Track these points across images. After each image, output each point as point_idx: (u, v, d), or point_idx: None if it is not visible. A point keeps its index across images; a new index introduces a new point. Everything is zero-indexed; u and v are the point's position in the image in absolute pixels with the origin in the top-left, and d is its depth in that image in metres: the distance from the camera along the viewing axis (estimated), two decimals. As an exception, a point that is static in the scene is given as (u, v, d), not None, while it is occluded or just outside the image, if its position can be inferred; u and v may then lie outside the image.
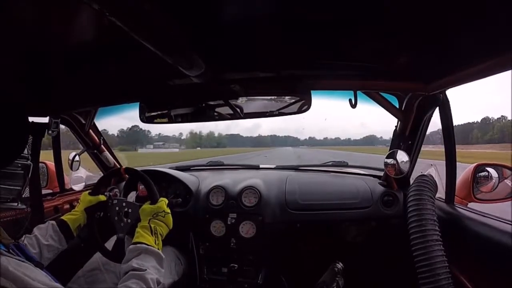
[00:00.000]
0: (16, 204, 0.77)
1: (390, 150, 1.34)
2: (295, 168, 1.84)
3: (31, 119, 1.20)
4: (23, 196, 0.80)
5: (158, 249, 0.91)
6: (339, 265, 1.32)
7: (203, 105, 1.11)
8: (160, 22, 0.61)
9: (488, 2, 0.59)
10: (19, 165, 0.77)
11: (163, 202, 1.04)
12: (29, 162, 0.79)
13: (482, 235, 0.97)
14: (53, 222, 1.03)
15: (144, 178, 1.14)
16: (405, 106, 1.23)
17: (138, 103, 1.17)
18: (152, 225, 0.96)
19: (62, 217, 1.06)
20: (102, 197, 1.14)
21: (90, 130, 1.57)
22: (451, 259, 1.02)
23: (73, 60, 0.90)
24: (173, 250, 1.36)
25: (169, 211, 1.03)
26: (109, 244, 1.14)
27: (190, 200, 1.49)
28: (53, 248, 0.98)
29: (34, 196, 1.25)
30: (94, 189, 1.16)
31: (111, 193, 1.20)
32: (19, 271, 0.60)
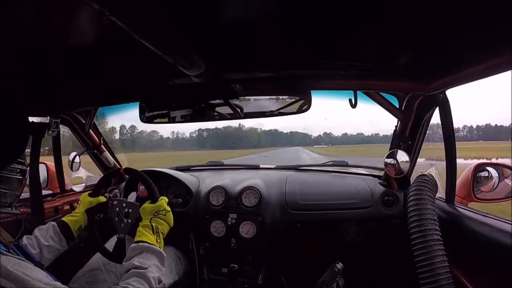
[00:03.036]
0: (10, 209, 0.77)
1: (390, 150, 1.34)
2: (295, 168, 1.84)
3: (31, 119, 1.22)
4: (20, 199, 0.80)
5: (160, 247, 0.91)
6: (339, 265, 1.31)
7: (203, 105, 1.11)
8: (160, 22, 0.61)
9: (488, 2, 0.59)
10: (18, 170, 0.77)
11: (164, 200, 1.05)
12: (25, 167, 0.79)
13: (482, 235, 0.97)
14: (54, 223, 1.03)
15: (144, 178, 1.14)
16: (405, 106, 1.23)
17: (138, 103, 1.17)
18: (154, 224, 0.96)
19: (63, 218, 1.06)
20: (102, 198, 1.14)
21: (90, 130, 1.57)
22: (451, 259, 1.02)
23: (73, 60, 0.90)
24: (173, 250, 1.36)
25: (169, 209, 1.04)
26: (110, 245, 1.14)
27: (190, 200, 1.49)
28: (53, 249, 0.98)
29: (34, 197, 1.25)
30: (94, 190, 1.16)
31: (111, 194, 1.20)
32: (19, 271, 0.60)
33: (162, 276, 0.84)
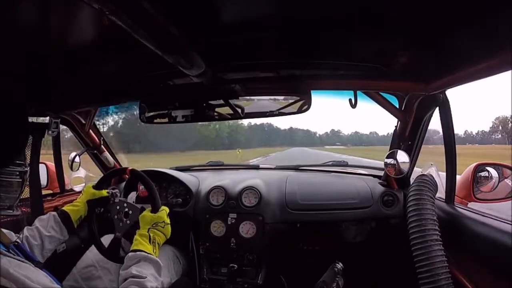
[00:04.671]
0: (11, 211, 0.77)
1: (390, 150, 1.34)
2: (295, 168, 1.84)
3: (31, 119, 1.22)
4: (19, 200, 0.81)
5: (156, 257, 0.92)
6: (339, 265, 1.32)
7: (204, 105, 1.11)
8: (160, 21, 0.61)
9: (488, 2, 0.60)
10: (17, 172, 0.77)
11: (164, 211, 1.03)
12: (25, 168, 0.79)
13: (482, 235, 0.97)
14: (54, 213, 1.03)
15: (148, 183, 1.12)
16: (405, 106, 1.23)
17: (138, 103, 1.17)
18: (151, 234, 0.96)
19: (64, 208, 1.07)
20: (105, 193, 1.14)
21: (90, 130, 1.57)
22: (450, 259, 1.02)
23: (73, 60, 0.90)
24: (172, 250, 1.36)
25: (169, 221, 1.03)
26: (105, 241, 1.14)
27: (190, 200, 1.49)
28: (55, 239, 0.99)
29: (34, 197, 1.25)
30: (98, 183, 1.17)
31: (113, 191, 1.20)
32: (20, 273, 0.60)
33: (159, 285, 0.85)
